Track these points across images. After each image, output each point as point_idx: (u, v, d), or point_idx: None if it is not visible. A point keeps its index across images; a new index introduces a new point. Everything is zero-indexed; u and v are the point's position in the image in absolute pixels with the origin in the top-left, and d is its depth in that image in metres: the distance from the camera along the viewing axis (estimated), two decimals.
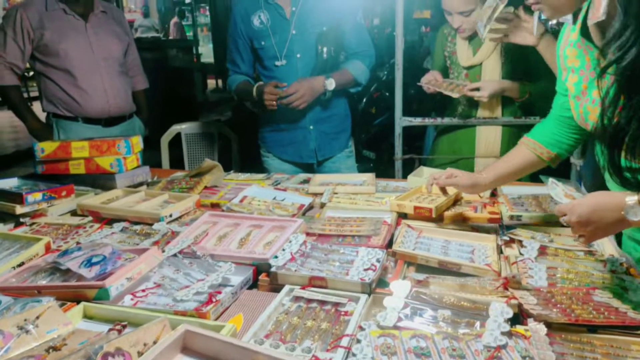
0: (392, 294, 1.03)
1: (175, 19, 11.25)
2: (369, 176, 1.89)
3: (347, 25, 2.14)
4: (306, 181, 1.92)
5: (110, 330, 0.94)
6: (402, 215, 1.51)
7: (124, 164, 1.81)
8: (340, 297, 1.04)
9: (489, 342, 0.88)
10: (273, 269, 1.15)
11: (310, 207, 1.66)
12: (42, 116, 2.44)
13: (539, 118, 2.19)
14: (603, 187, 1.19)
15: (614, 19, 0.94)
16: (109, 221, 1.55)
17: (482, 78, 2.07)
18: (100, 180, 1.83)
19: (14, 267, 1.22)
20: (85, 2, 2.33)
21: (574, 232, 1.04)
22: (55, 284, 1.13)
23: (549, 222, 1.42)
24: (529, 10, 1.69)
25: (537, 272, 1.13)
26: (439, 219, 1.46)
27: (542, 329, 0.91)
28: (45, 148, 1.83)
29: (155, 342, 0.87)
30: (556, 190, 1.16)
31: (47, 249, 1.33)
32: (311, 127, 2.20)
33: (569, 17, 1.19)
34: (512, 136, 2.15)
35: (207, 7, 10.57)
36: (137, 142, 1.88)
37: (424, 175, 1.88)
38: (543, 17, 1.26)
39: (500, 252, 1.27)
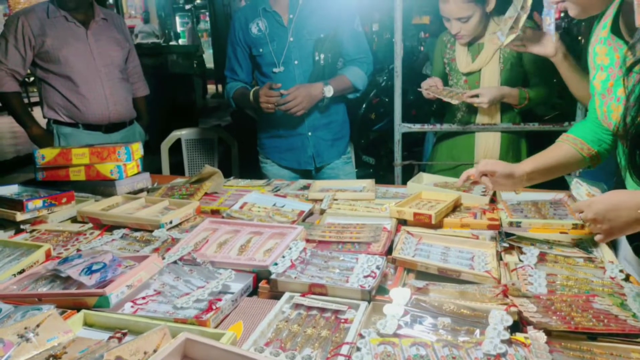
0: (391, 301, 1.03)
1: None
2: (369, 182, 1.89)
3: (345, 33, 2.15)
4: (306, 187, 1.92)
5: (110, 338, 0.94)
6: (402, 222, 1.51)
7: (124, 170, 1.81)
8: (340, 304, 1.05)
9: (488, 350, 0.88)
10: (273, 276, 1.15)
11: (310, 213, 1.67)
12: (43, 122, 2.45)
13: (538, 124, 2.21)
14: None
15: None
16: (109, 228, 1.56)
17: (481, 84, 2.08)
18: (101, 187, 1.84)
19: (14, 275, 1.22)
20: (86, 9, 2.35)
21: (590, 229, 1.04)
22: (55, 291, 1.13)
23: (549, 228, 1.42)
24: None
25: (536, 279, 1.13)
26: (438, 225, 1.46)
27: (542, 336, 0.91)
28: (46, 155, 1.84)
29: (155, 351, 0.87)
30: (579, 189, 1.16)
31: (48, 256, 1.33)
32: (309, 133, 2.21)
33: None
34: (511, 142, 2.17)
35: (207, 13, 10.63)
36: (138, 148, 1.88)
37: (423, 181, 1.89)
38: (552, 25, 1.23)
39: (500, 258, 1.28)
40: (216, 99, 9.75)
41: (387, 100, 3.90)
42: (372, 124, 3.94)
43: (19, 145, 6.68)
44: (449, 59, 2.16)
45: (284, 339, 0.96)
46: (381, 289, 1.14)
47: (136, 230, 1.53)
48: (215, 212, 1.68)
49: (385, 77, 4.25)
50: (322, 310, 1.05)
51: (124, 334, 0.95)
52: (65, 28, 2.30)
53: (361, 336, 0.94)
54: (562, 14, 1.52)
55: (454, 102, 2.03)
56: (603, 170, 1.98)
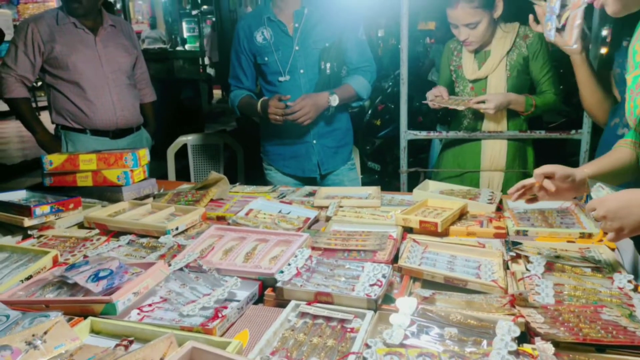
0: (398, 310, 1.03)
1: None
2: (374, 189, 1.89)
3: (349, 41, 2.16)
4: (311, 194, 1.92)
5: (117, 345, 0.94)
6: (408, 230, 1.51)
7: (130, 176, 1.82)
8: (346, 313, 1.04)
9: None
10: (279, 284, 1.15)
11: (316, 220, 1.67)
12: (51, 128, 2.47)
13: (545, 132, 2.20)
14: None
15: None
16: (116, 234, 1.56)
17: (487, 91, 2.08)
18: (107, 193, 1.85)
19: (22, 281, 1.23)
20: (94, 16, 2.38)
21: (602, 228, 1.03)
22: (63, 298, 1.14)
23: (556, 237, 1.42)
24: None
25: (544, 289, 1.13)
26: (444, 234, 1.46)
27: (550, 348, 0.90)
28: (54, 160, 1.85)
29: (162, 359, 0.87)
30: (600, 193, 1.14)
31: (55, 262, 1.34)
32: (314, 141, 2.21)
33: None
34: (518, 150, 2.16)
35: (214, 19, 10.70)
36: (144, 154, 1.89)
37: (429, 188, 1.88)
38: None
39: (506, 267, 1.27)
40: (221, 103, 9.81)
41: (392, 106, 3.90)
42: (378, 131, 3.95)
43: (26, 150, 6.73)
44: (455, 66, 2.16)
45: (290, 348, 0.96)
46: (387, 298, 1.13)
47: (142, 236, 1.53)
48: (221, 219, 1.69)
49: (390, 83, 4.26)
50: (328, 319, 1.04)
51: (131, 342, 0.95)
52: (74, 34, 2.32)
53: (367, 346, 0.93)
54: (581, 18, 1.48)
55: (460, 108, 2.03)
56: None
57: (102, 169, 1.82)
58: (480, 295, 1.11)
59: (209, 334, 0.98)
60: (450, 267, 1.27)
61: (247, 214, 1.68)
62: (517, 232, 1.46)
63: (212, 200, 1.85)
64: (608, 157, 1.29)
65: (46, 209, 1.60)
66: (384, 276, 1.15)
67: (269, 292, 1.17)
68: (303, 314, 1.07)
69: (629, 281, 1.15)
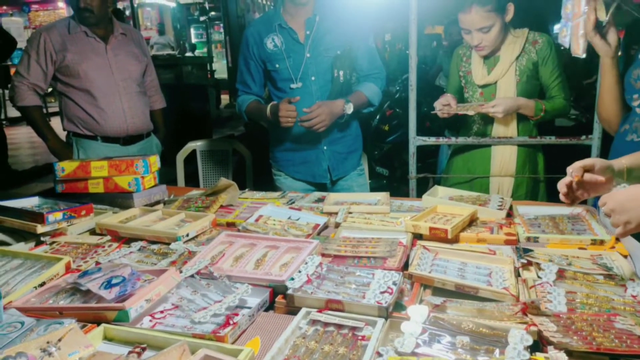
0: (409, 318, 1.02)
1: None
2: (384, 195, 1.89)
3: (360, 49, 2.17)
4: (320, 200, 1.92)
5: (130, 352, 0.95)
6: (418, 236, 1.51)
7: (141, 183, 1.84)
8: (357, 320, 1.04)
9: None
10: (290, 291, 1.15)
11: (325, 226, 1.67)
12: (62, 134, 2.50)
13: (555, 138, 2.19)
14: None
15: None
16: (127, 240, 1.58)
17: (496, 97, 2.07)
18: (118, 199, 1.87)
19: (35, 287, 1.24)
20: (105, 25, 2.41)
21: (611, 222, 1.03)
22: (76, 305, 1.15)
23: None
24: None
25: (556, 296, 1.12)
26: (454, 240, 1.46)
27: (563, 357, 0.90)
28: (66, 167, 1.87)
29: None
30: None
31: (67, 268, 1.35)
32: (325, 147, 2.22)
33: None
34: (528, 155, 2.15)
35: (222, 25, 10.78)
36: (155, 161, 1.91)
37: (438, 194, 1.88)
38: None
39: (517, 275, 1.26)
40: (230, 109, 9.86)
41: (400, 111, 3.91)
42: (386, 136, 3.95)
43: (37, 156, 6.81)
44: (464, 72, 2.16)
45: (302, 355, 0.96)
46: (398, 305, 1.13)
47: (153, 242, 1.55)
48: (230, 225, 1.70)
49: (398, 88, 4.26)
50: (339, 326, 1.05)
51: (144, 349, 0.96)
52: (85, 43, 2.35)
53: (379, 354, 0.93)
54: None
55: (470, 113, 2.03)
56: None
57: (114, 175, 1.84)
58: (492, 303, 1.10)
59: (221, 341, 0.98)
60: (461, 274, 1.26)
61: (256, 220, 1.68)
62: (528, 239, 1.45)
63: (221, 206, 1.87)
64: None
65: (58, 215, 1.62)
66: (394, 283, 1.15)
67: (279, 300, 1.17)
68: (314, 322, 1.07)
69: None
